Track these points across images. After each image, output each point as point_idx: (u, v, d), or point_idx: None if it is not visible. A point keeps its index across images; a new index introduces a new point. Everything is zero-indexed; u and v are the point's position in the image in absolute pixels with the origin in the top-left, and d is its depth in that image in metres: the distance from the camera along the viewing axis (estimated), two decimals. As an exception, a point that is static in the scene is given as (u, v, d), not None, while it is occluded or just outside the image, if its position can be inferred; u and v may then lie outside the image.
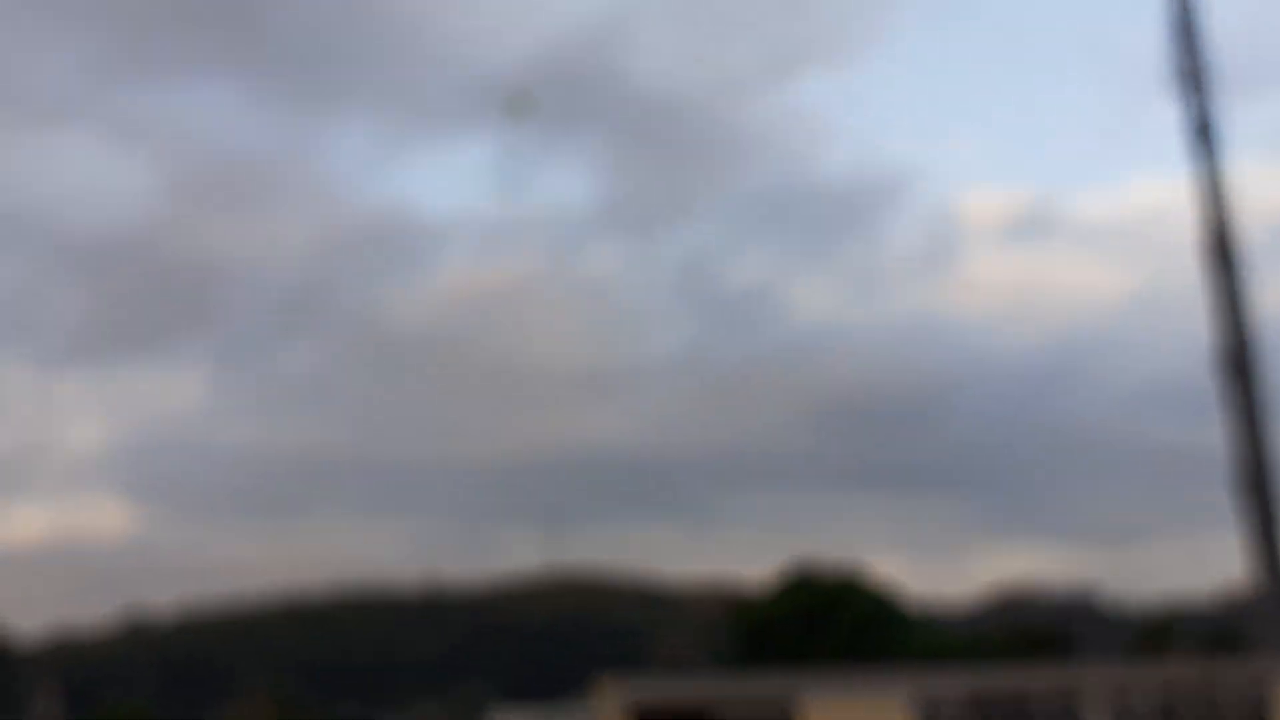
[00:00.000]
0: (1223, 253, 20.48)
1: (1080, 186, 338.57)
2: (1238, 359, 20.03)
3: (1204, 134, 21.00)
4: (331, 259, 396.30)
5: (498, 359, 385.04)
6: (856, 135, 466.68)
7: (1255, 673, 33.68)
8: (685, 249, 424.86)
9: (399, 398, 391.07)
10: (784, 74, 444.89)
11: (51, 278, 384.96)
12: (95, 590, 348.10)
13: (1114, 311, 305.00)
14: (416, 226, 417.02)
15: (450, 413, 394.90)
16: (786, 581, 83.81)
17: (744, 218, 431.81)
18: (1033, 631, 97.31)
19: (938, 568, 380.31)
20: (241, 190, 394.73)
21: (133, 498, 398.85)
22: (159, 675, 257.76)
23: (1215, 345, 20.29)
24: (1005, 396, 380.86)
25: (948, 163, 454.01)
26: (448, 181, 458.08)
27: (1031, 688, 33.06)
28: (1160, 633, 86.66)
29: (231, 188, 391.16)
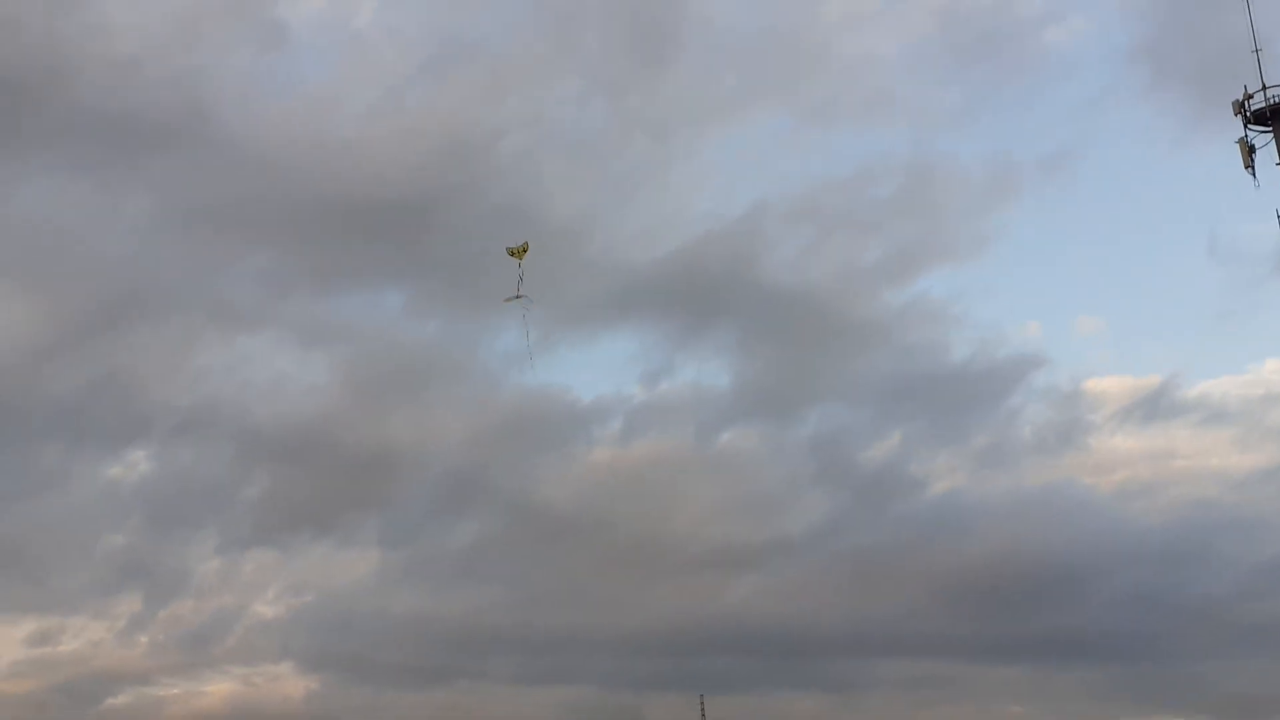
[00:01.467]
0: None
1: (1205, 367, 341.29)
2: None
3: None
4: (490, 443, 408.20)
5: (644, 535, 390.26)
6: (982, 323, 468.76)
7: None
8: (819, 430, 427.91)
9: (552, 571, 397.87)
10: (908, 267, 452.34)
11: (240, 466, 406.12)
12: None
13: (1242, 488, 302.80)
14: (568, 412, 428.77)
15: (600, 586, 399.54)
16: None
17: (876, 400, 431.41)
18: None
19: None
20: (408, 384, 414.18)
21: (309, 668, 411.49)
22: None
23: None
24: (1136, 571, 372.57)
25: (1071, 348, 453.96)
26: (596, 371, 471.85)
27: None
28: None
29: (399, 382, 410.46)
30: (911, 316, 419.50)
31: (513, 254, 60.43)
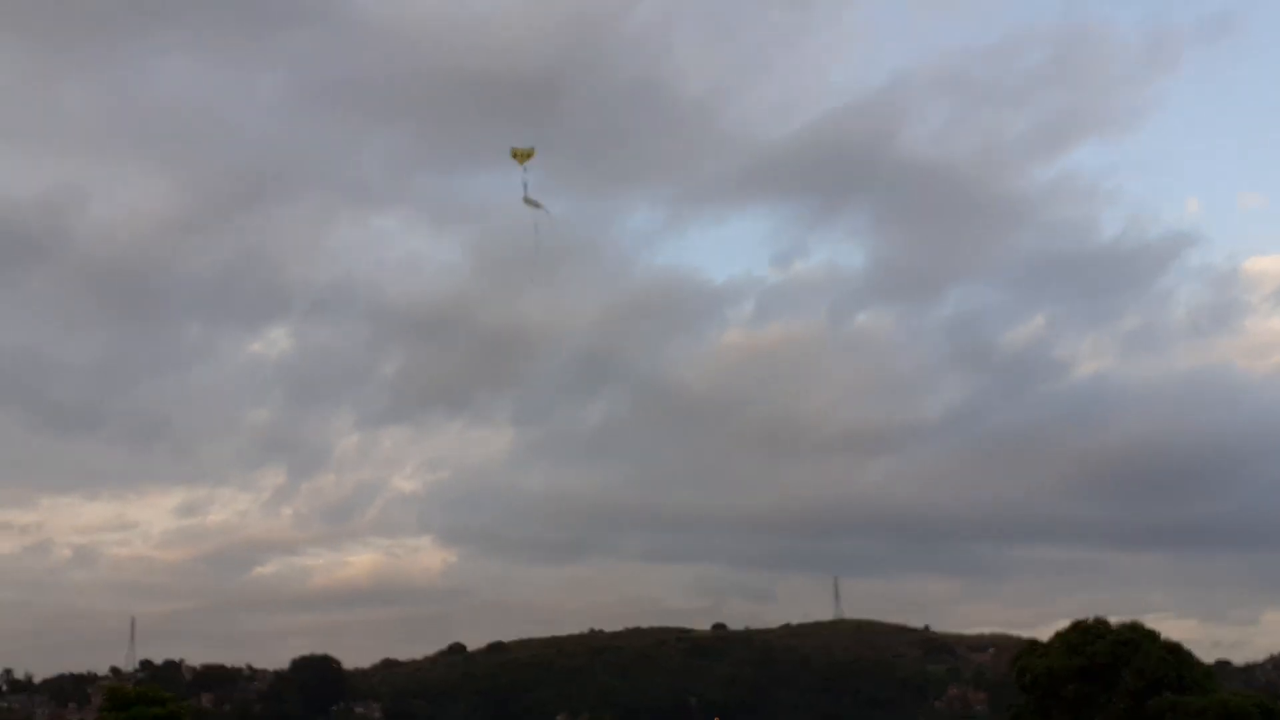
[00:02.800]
0: None
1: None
2: None
3: None
4: (621, 323, 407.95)
5: (776, 416, 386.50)
6: (1135, 200, 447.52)
7: None
8: (959, 311, 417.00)
9: (684, 451, 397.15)
10: (1058, 141, 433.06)
11: (375, 343, 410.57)
12: (417, 624, 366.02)
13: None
14: (699, 293, 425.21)
15: (731, 466, 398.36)
16: (1071, 636, 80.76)
17: (1019, 280, 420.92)
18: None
19: (1224, 627, 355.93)
20: (541, 262, 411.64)
21: (446, 541, 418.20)
22: (471, 699, 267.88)
23: None
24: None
25: (1230, 225, 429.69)
26: (728, 251, 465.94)
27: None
28: None
29: (531, 261, 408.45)
30: (1059, 193, 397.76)
31: (516, 157, 51.14)
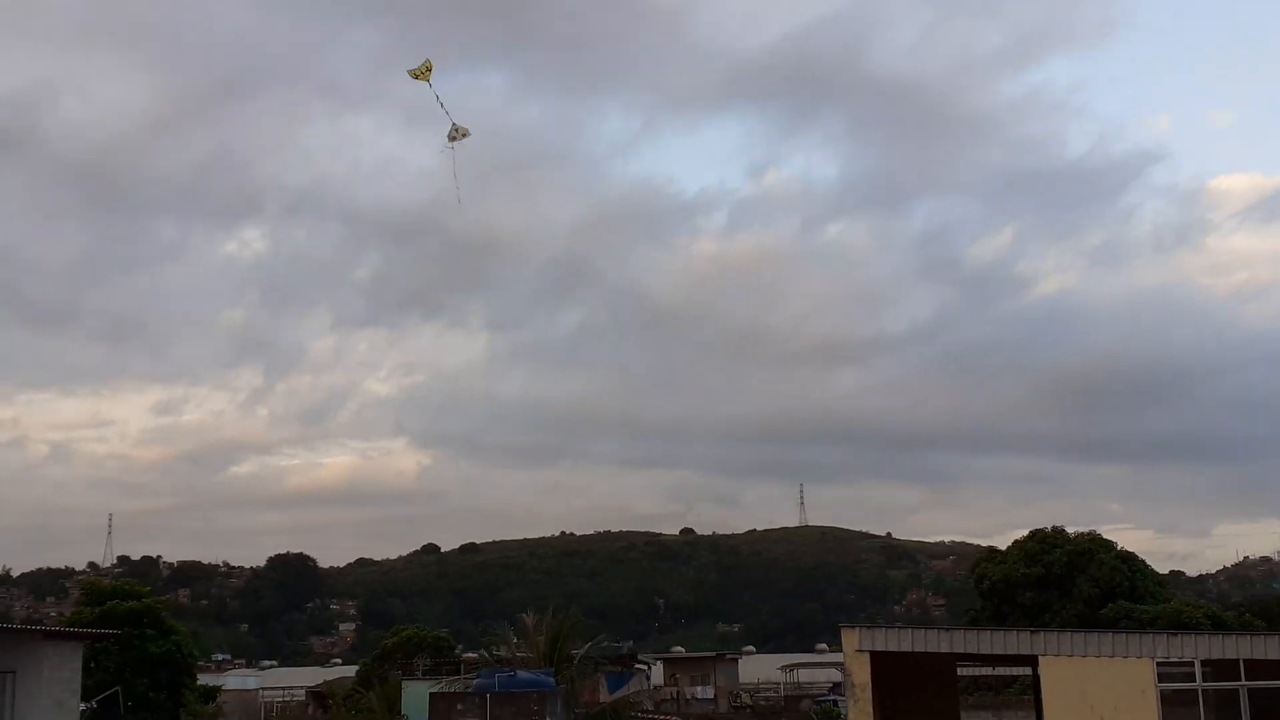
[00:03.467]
0: None
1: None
2: None
3: None
4: (594, 232, 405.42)
5: (746, 326, 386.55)
6: (1103, 116, 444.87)
7: None
8: (927, 225, 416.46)
9: (655, 360, 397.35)
10: (1027, 56, 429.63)
11: (350, 247, 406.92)
12: (391, 525, 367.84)
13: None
14: (671, 202, 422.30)
15: (702, 375, 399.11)
16: (1029, 545, 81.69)
17: (987, 195, 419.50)
18: (1272, 604, 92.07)
19: (1179, 539, 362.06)
20: (514, 169, 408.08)
21: (421, 444, 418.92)
22: (444, 598, 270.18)
23: None
24: (1247, 375, 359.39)
25: (1199, 143, 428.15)
26: (700, 160, 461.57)
27: (1270, 655, 31.45)
28: None
29: (505, 167, 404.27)
30: (1029, 108, 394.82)
31: (416, 76, 47.61)
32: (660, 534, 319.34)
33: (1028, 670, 39.88)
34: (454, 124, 49.28)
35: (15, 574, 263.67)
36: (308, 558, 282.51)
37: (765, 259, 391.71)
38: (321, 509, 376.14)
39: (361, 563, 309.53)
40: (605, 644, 58.33)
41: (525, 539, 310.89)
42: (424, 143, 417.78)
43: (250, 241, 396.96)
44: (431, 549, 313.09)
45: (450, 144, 49.49)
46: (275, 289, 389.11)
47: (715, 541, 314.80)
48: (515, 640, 45.77)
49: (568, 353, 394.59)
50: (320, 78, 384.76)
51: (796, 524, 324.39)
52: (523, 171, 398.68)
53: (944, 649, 34.09)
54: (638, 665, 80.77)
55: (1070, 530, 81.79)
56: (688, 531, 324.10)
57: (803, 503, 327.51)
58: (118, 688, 62.84)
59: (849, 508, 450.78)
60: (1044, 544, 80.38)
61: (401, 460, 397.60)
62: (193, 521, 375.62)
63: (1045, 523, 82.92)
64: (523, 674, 38.17)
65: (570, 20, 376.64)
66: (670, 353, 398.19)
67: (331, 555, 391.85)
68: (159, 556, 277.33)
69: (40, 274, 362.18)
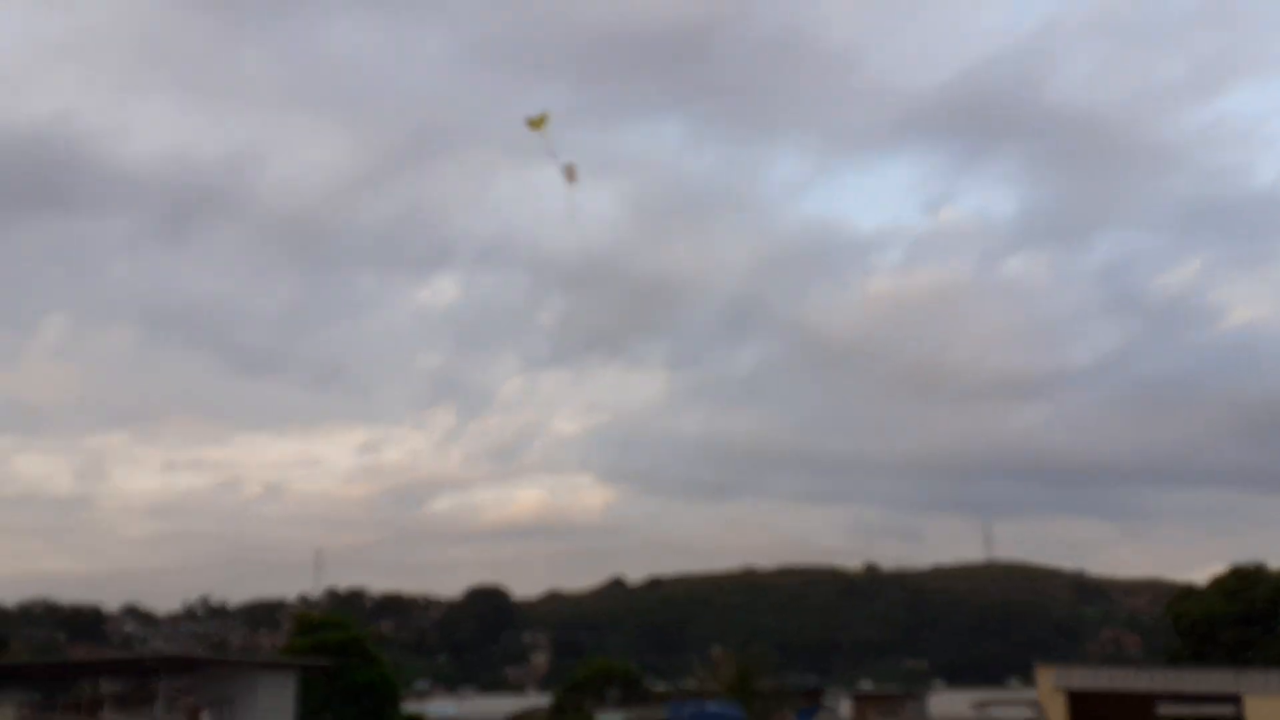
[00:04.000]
0: None
1: None
2: None
3: None
4: (770, 271, 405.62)
5: (924, 362, 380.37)
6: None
7: None
8: (1109, 257, 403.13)
9: (832, 396, 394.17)
10: (1211, 85, 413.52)
11: (536, 293, 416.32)
12: (579, 558, 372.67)
13: None
14: (846, 241, 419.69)
15: (881, 411, 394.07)
16: (1229, 581, 78.18)
17: (1172, 226, 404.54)
18: None
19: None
20: (691, 213, 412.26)
21: (605, 479, 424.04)
22: (633, 631, 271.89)
23: None
24: None
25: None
26: (874, 199, 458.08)
27: None
28: None
29: (682, 212, 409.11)
30: (1213, 137, 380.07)
31: (533, 126, 48.46)
32: (843, 569, 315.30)
33: (1230, 710, 38.24)
34: (567, 165, 51.65)
35: (231, 606, 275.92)
36: (502, 590, 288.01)
37: (943, 294, 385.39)
38: (514, 542, 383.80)
39: (552, 595, 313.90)
40: (793, 678, 58.14)
41: (709, 573, 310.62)
42: (603, 192, 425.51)
43: (443, 289, 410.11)
44: (618, 582, 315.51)
45: (569, 180, 51.55)
46: (466, 334, 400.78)
47: (899, 577, 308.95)
48: (704, 673, 46.09)
49: (745, 390, 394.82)
50: (507, 133, 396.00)
51: (982, 560, 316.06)
52: (699, 216, 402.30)
53: (1144, 688, 33.05)
54: (825, 701, 79.99)
55: (1272, 566, 78.10)
56: (871, 567, 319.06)
57: (988, 538, 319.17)
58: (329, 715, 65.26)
59: (1036, 543, 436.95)
60: (1245, 581, 76.86)
61: (588, 495, 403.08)
62: (395, 555, 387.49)
63: (1241, 558, 79.38)
64: (712, 707, 38.46)
65: (741, 69, 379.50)
66: (847, 388, 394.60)
67: (524, 587, 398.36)
68: (364, 588, 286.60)
69: (252, 323, 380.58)
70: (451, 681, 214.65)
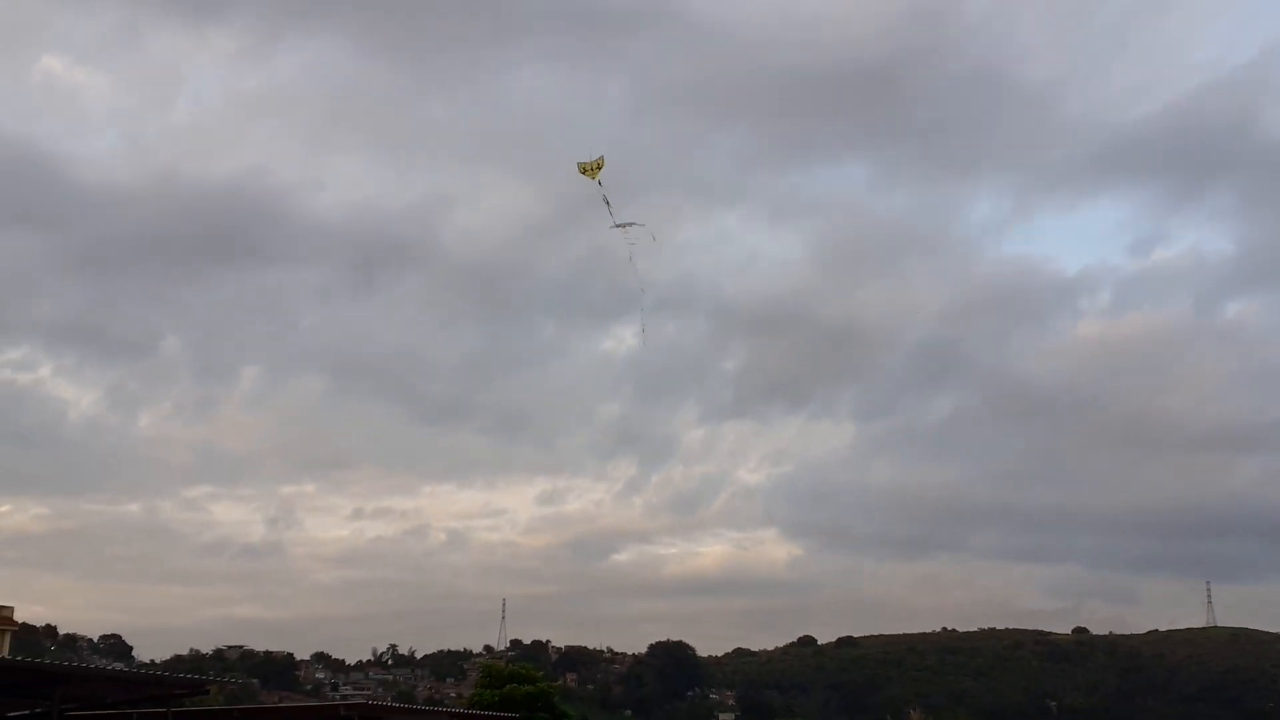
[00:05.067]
0: None
1: None
2: None
3: None
4: (966, 316, 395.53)
5: (1137, 412, 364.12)
6: None
7: None
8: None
9: (1036, 448, 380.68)
10: None
11: (717, 340, 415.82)
12: (766, 615, 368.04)
13: None
14: (1048, 284, 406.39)
15: (1088, 464, 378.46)
16: None
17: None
18: None
19: None
20: (880, 257, 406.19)
21: (792, 534, 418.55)
22: (823, 692, 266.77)
23: None
24: None
25: None
26: (1078, 239, 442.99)
27: None
28: None
29: (871, 256, 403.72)
30: None
31: (585, 172, 45.56)
32: (1049, 633, 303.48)
33: None
34: (623, 222, 49.07)
35: (419, 655, 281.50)
36: (686, 646, 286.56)
37: (1155, 339, 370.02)
38: (698, 597, 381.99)
39: (739, 653, 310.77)
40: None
41: (904, 634, 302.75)
42: (787, 235, 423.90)
43: (624, 338, 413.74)
44: (807, 640, 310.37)
45: (622, 229, 49.17)
46: (648, 383, 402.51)
47: (1112, 642, 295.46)
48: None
49: (939, 441, 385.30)
50: (689, 178, 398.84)
51: (1203, 624, 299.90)
52: (890, 259, 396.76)
53: None
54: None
55: None
56: (1080, 630, 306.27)
57: (1210, 601, 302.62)
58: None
59: (1265, 607, 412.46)
60: None
61: (773, 550, 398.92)
62: (577, 607, 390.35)
63: None
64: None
65: (934, 108, 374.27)
66: (1051, 439, 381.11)
67: (709, 644, 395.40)
68: (548, 641, 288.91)
69: (437, 374, 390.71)
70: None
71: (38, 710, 53.65)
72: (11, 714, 54.96)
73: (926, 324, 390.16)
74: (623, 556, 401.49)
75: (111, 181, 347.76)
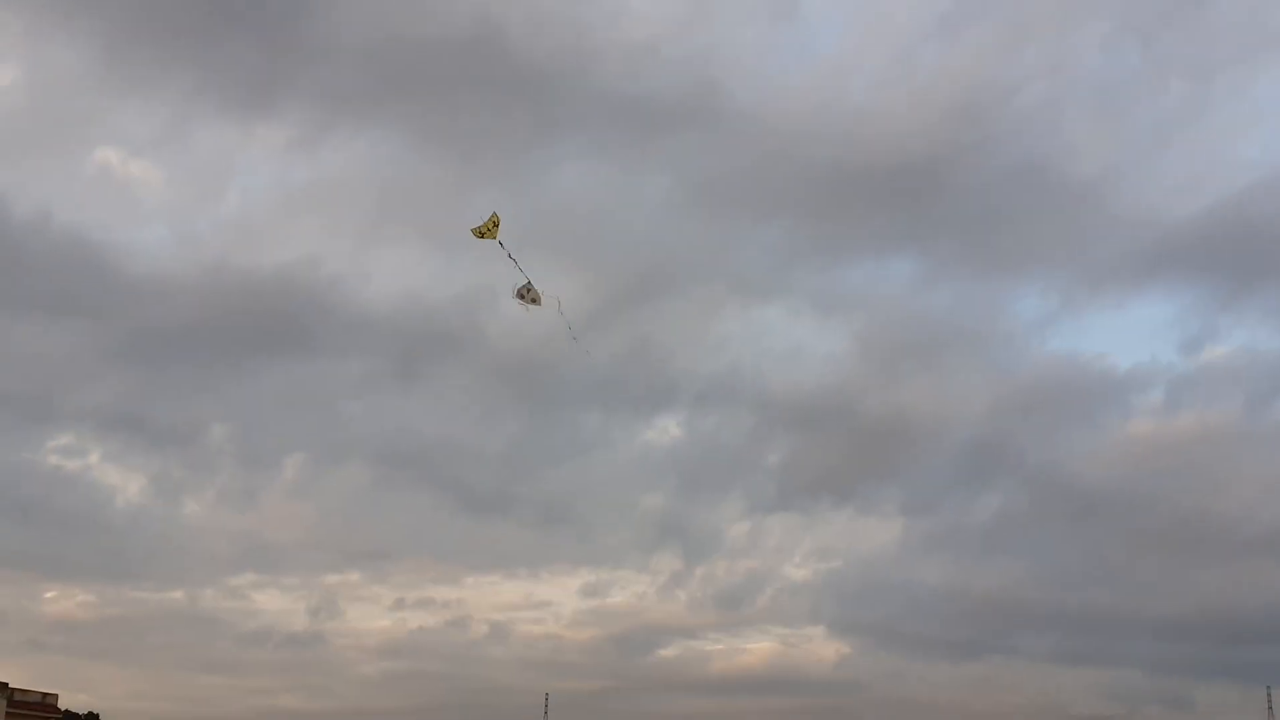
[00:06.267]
0: None
1: None
2: None
3: None
4: (1014, 412, 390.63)
5: (1191, 514, 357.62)
6: None
7: None
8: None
9: (1087, 549, 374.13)
10: None
11: (761, 433, 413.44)
12: (815, 715, 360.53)
13: None
14: (1098, 382, 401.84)
15: (1141, 566, 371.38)
16: None
17: None
18: None
19: None
20: (925, 352, 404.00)
21: (839, 632, 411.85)
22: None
23: None
24: None
25: None
26: (1128, 336, 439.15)
27: None
28: None
29: (916, 350, 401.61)
30: None
31: (483, 234, 43.43)
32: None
33: None
34: (528, 282, 46.67)
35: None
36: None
37: (1209, 439, 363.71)
38: (745, 696, 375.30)
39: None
40: None
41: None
42: (831, 330, 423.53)
43: (667, 430, 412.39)
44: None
45: (519, 300, 46.23)
46: (690, 475, 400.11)
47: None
48: None
49: (988, 539, 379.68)
50: (730, 271, 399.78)
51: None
52: (935, 354, 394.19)
53: None
54: None
55: None
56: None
57: (1270, 707, 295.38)
58: None
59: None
60: None
61: (821, 648, 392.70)
62: (623, 704, 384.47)
63: None
64: None
65: (979, 202, 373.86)
66: (1102, 540, 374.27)
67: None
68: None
69: (480, 465, 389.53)
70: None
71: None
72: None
73: (973, 420, 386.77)
74: (668, 652, 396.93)
75: (161, 272, 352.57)
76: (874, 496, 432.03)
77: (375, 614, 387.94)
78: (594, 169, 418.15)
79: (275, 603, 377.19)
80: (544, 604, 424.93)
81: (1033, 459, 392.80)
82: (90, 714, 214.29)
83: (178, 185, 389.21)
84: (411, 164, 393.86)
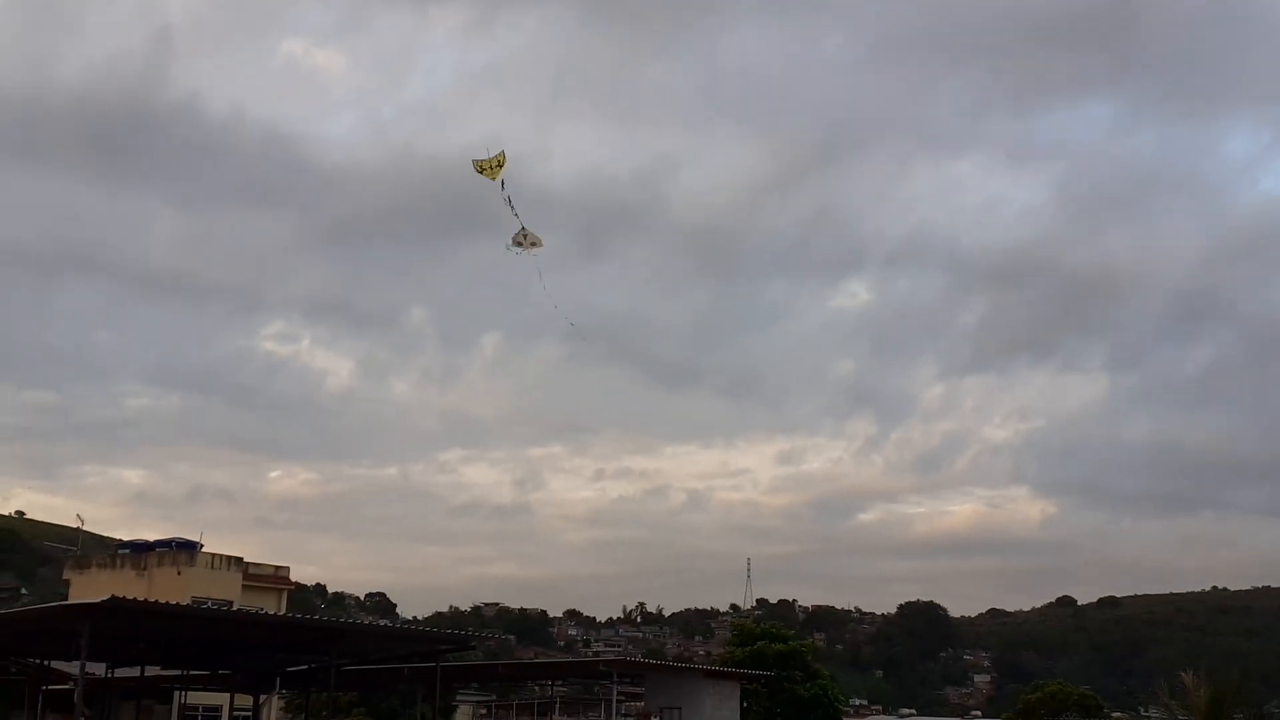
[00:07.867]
0: None
1: None
2: None
3: None
4: (1225, 259, 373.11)
5: None
6: None
7: None
8: None
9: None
10: None
11: (954, 293, 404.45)
12: (1020, 576, 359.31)
13: None
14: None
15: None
16: None
17: None
18: None
19: None
20: (1127, 200, 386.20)
21: (1043, 492, 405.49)
22: (1084, 654, 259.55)
23: None
24: None
25: None
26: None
27: None
28: None
29: (1117, 200, 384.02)
30: None
31: (482, 171, 40.58)
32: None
33: None
34: (523, 228, 44.70)
35: (667, 614, 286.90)
36: (938, 606, 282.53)
37: None
38: (948, 558, 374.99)
39: (993, 613, 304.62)
40: (1276, 711, 52.93)
41: (1170, 594, 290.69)
42: (1027, 182, 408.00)
43: (856, 294, 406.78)
44: (1067, 601, 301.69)
45: (517, 249, 44.71)
46: (882, 339, 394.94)
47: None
48: (1171, 701, 42.82)
49: (1199, 393, 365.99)
50: (919, 126, 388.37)
51: None
52: (1138, 202, 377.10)
53: None
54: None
55: None
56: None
57: None
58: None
59: None
60: None
61: (1025, 509, 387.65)
62: (823, 567, 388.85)
63: None
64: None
65: (1181, 39, 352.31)
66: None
67: (961, 605, 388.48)
68: (794, 600, 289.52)
69: (669, 337, 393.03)
70: (888, 700, 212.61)
71: (313, 665, 57.30)
72: (290, 668, 58.86)
73: (1181, 269, 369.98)
74: (868, 516, 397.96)
75: (352, 161, 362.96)
76: (1076, 353, 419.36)
77: (577, 485, 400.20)
78: (770, 31, 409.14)
79: (483, 476, 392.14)
80: (741, 472, 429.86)
81: (1247, 307, 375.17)
82: (318, 585, 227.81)
83: (362, 72, 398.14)
84: (584, 39, 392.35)
